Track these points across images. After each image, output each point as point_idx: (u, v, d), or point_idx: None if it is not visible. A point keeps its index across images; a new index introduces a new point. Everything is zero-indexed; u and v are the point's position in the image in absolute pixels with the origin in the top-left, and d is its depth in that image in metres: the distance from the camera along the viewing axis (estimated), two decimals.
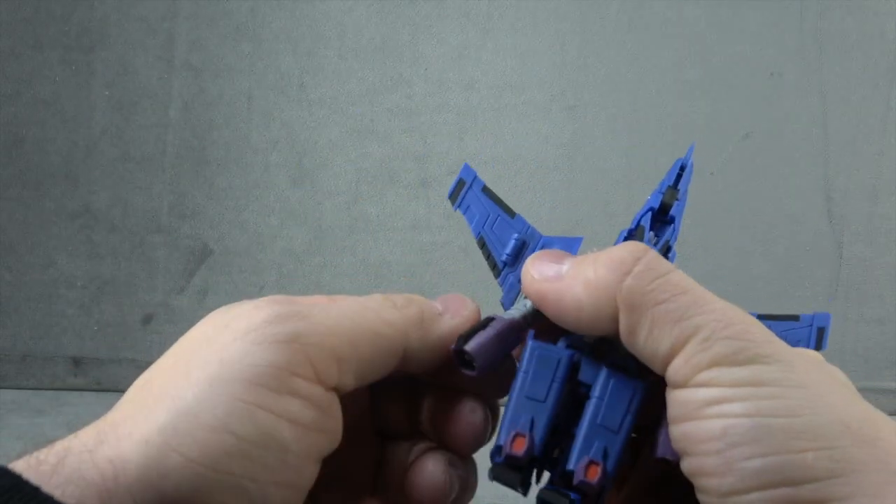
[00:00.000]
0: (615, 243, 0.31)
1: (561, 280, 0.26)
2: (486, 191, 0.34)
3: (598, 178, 0.87)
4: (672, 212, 0.33)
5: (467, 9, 0.88)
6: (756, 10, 0.87)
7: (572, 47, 0.88)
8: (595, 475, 0.26)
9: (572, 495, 0.27)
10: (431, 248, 0.89)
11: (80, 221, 0.89)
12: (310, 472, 0.24)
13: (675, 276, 0.25)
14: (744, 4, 0.87)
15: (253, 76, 0.88)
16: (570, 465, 0.26)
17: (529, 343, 0.28)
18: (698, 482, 0.24)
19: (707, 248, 0.87)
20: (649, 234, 0.32)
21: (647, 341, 0.25)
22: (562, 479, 0.27)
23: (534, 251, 0.31)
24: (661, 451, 0.27)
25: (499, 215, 0.33)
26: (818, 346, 0.30)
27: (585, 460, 0.26)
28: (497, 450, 0.27)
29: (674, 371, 0.24)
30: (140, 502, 0.21)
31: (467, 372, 0.28)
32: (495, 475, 0.27)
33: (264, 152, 0.89)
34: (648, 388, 0.28)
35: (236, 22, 0.88)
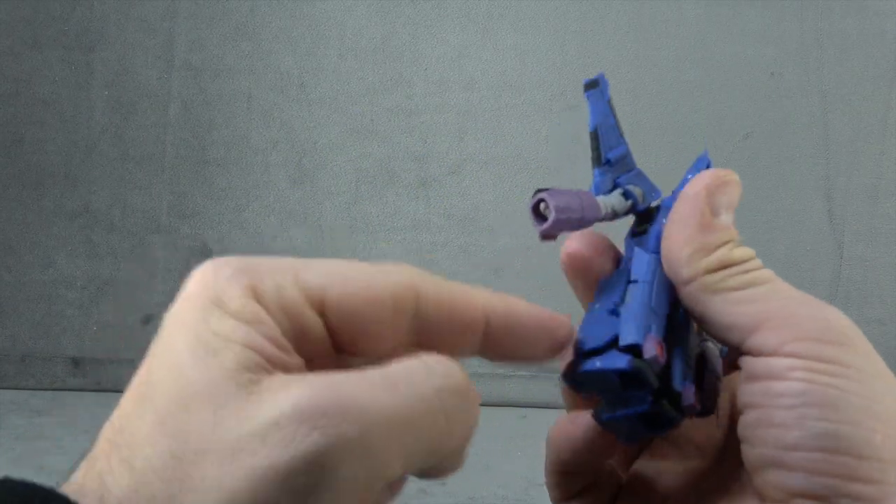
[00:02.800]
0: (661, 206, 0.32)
1: (711, 227, 0.27)
2: (610, 103, 0.35)
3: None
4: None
5: (467, 9, 0.88)
6: (756, 10, 0.87)
7: (572, 47, 0.88)
8: (695, 398, 0.26)
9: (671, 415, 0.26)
10: (431, 248, 0.89)
11: (79, 221, 0.89)
12: None
13: (767, 272, 0.26)
14: (744, 4, 0.87)
15: (253, 76, 0.88)
16: (677, 387, 0.26)
17: (647, 254, 0.28)
18: (759, 433, 0.24)
19: None
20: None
21: (724, 313, 0.25)
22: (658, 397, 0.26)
23: (630, 172, 0.33)
24: (686, 401, 0.26)
25: (614, 125, 0.35)
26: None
27: (691, 388, 0.26)
28: (630, 349, 0.25)
29: (759, 341, 0.24)
30: None
31: (538, 227, 0.27)
32: (634, 374, 0.25)
33: (264, 152, 0.89)
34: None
35: (236, 22, 0.88)
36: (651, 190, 0.33)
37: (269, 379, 0.19)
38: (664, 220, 0.29)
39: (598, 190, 0.32)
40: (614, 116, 0.34)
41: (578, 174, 0.87)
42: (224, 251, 0.89)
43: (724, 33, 0.87)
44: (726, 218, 0.28)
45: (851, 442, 0.22)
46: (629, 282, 0.28)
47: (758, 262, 0.27)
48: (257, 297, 0.21)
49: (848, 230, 0.89)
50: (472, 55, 0.88)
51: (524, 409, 0.85)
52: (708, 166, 0.35)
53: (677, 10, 0.87)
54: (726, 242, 0.27)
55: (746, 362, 0.25)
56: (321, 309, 0.22)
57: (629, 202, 0.32)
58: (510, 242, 0.87)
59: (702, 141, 0.88)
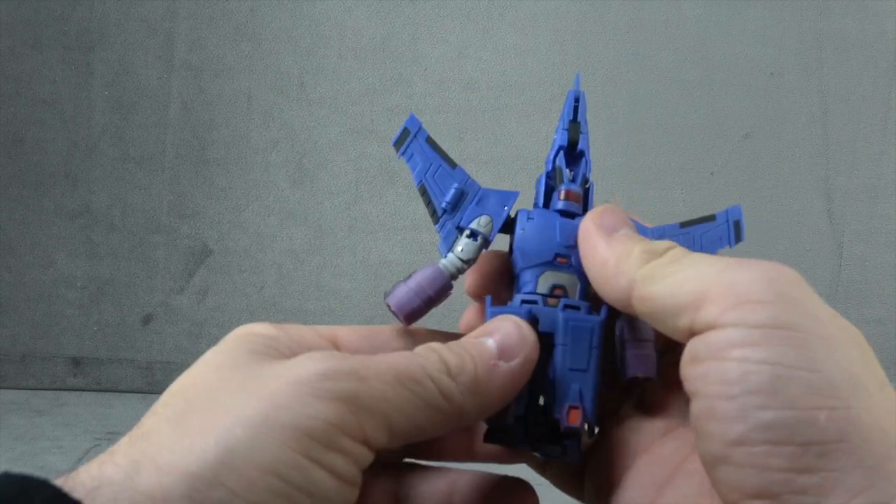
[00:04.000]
0: (536, 189, 0.34)
1: (609, 237, 0.28)
2: (429, 141, 0.35)
3: (598, 178, 0.86)
4: (580, 145, 0.34)
5: (467, 9, 0.88)
6: (756, 10, 0.87)
7: (572, 47, 0.88)
8: (577, 419, 0.28)
9: (565, 443, 0.28)
10: (431, 248, 0.89)
11: (79, 221, 0.89)
12: None
13: (695, 255, 0.26)
14: (744, 4, 0.87)
15: (253, 76, 0.88)
16: (556, 414, 0.28)
17: (560, 314, 0.29)
18: (705, 426, 0.23)
19: None
20: (567, 172, 0.34)
21: (667, 300, 0.25)
22: (549, 428, 0.29)
23: (472, 202, 0.33)
24: (630, 371, 0.28)
25: (440, 165, 0.34)
26: (738, 239, 0.31)
27: (566, 407, 0.28)
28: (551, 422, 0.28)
29: (703, 316, 0.24)
30: None
31: (400, 321, 0.30)
32: (537, 448, 0.29)
33: (264, 152, 0.89)
34: (605, 322, 0.29)
35: (236, 22, 0.88)
36: (501, 203, 0.33)
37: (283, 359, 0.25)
38: (521, 229, 0.31)
39: (447, 245, 0.32)
40: (438, 153, 0.34)
41: None
42: (224, 251, 0.89)
43: (724, 33, 0.87)
44: (626, 231, 0.28)
45: (794, 429, 0.21)
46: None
47: (678, 247, 0.27)
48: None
49: (847, 230, 0.89)
50: (472, 55, 0.88)
51: None
52: (577, 100, 0.36)
53: (677, 10, 0.87)
54: (637, 244, 0.27)
55: (693, 344, 0.24)
56: (335, 342, 0.27)
57: (479, 241, 0.32)
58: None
59: (702, 141, 0.88)
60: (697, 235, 0.31)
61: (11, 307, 0.89)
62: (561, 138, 0.36)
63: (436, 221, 0.32)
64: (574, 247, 0.30)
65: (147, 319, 0.90)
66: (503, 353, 0.27)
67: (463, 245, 0.32)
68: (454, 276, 0.32)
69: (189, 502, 0.21)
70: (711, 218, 0.31)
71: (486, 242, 0.31)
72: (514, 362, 0.27)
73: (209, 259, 0.89)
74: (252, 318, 0.88)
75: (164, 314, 0.90)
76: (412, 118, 0.34)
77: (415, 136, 0.34)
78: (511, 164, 0.88)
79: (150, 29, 0.88)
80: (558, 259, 0.30)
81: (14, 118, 0.87)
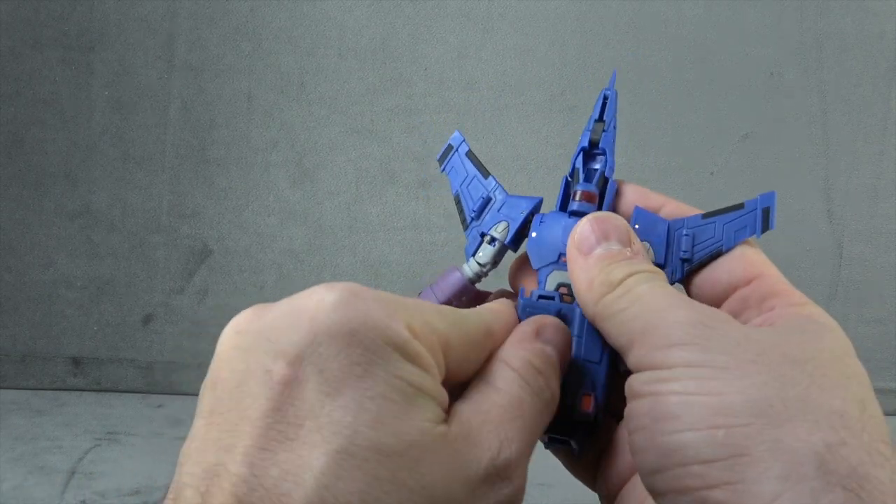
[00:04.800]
0: (560, 191, 0.35)
1: (583, 260, 0.29)
2: (469, 155, 0.38)
3: None
4: (602, 144, 0.36)
5: (467, 9, 0.88)
6: (756, 10, 0.87)
7: (572, 47, 0.88)
8: (589, 405, 0.29)
9: (575, 430, 0.30)
10: (431, 248, 0.89)
11: (79, 221, 0.89)
12: None
13: (643, 288, 0.27)
14: (744, 4, 0.87)
15: (253, 76, 0.88)
16: (569, 400, 0.29)
17: (577, 308, 0.30)
18: (636, 461, 0.25)
19: None
20: (582, 173, 0.35)
21: (614, 339, 0.27)
22: (561, 417, 0.29)
23: (495, 208, 0.35)
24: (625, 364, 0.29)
25: (475, 176, 0.37)
26: (765, 227, 0.31)
27: (580, 394, 0.29)
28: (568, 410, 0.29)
29: (631, 357, 0.26)
30: None
31: None
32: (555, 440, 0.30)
33: (264, 152, 0.89)
34: None
35: (236, 22, 0.88)
36: (519, 208, 0.35)
37: (451, 432, 0.23)
38: (533, 233, 0.33)
39: (470, 251, 0.34)
40: (475, 163, 0.36)
41: None
42: (224, 251, 0.90)
43: (724, 33, 0.87)
44: (602, 249, 0.29)
45: (697, 448, 0.23)
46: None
47: (640, 276, 0.28)
48: (417, 338, 0.24)
49: (847, 230, 0.89)
50: (472, 55, 0.88)
51: None
52: (607, 98, 0.38)
53: (677, 10, 0.87)
54: (600, 272, 0.29)
55: (626, 386, 0.26)
56: (446, 350, 0.25)
57: (496, 246, 0.34)
58: None
59: (702, 141, 0.88)
60: (720, 226, 0.32)
61: (11, 307, 0.89)
62: (584, 139, 0.37)
63: (465, 228, 0.35)
64: None
65: (147, 319, 0.90)
66: (565, 357, 0.30)
67: (482, 251, 0.34)
68: (473, 281, 0.34)
69: None
70: (740, 206, 0.32)
71: (504, 247, 0.34)
72: (560, 368, 0.30)
73: (209, 259, 0.89)
74: None
75: (164, 314, 0.90)
76: (457, 135, 0.37)
77: (456, 150, 0.37)
78: (511, 164, 0.88)
79: (150, 29, 0.88)
80: (562, 259, 0.31)
81: (14, 118, 0.88)
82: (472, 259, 0.34)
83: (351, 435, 0.21)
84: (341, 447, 0.21)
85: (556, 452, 0.33)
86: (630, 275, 0.28)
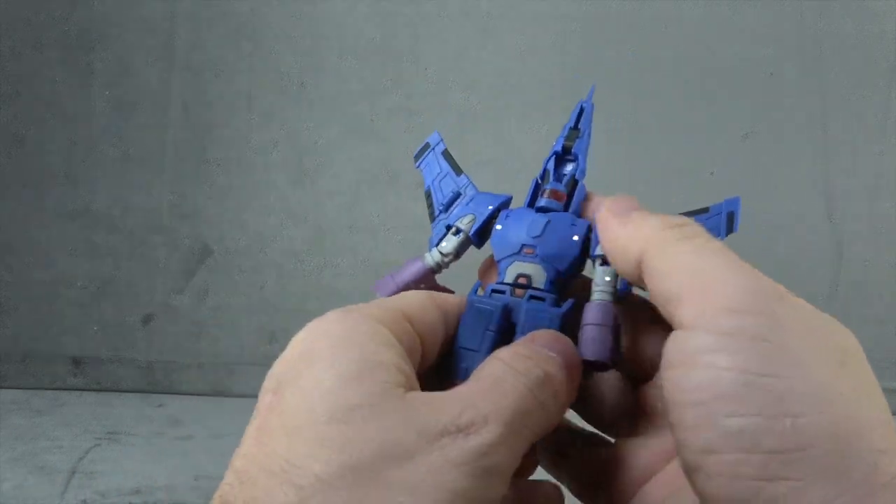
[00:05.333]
0: (529, 191, 0.35)
1: (621, 216, 0.28)
2: (445, 154, 0.39)
3: (597, 178, 0.87)
4: (574, 150, 0.37)
5: (467, 9, 0.88)
6: (756, 10, 0.87)
7: (572, 47, 0.88)
8: None
9: None
10: None
11: (80, 221, 0.89)
12: None
13: (701, 239, 0.26)
14: (744, 4, 0.87)
15: (253, 76, 0.88)
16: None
17: (468, 297, 0.31)
18: (679, 435, 0.23)
19: None
20: (553, 174, 0.36)
21: (662, 283, 0.25)
22: None
23: (464, 203, 0.36)
24: (581, 353, 0.28)
25: (448, 173, 0.38)
26: (729, 231, 0.32)
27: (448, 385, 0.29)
28: None
29: (683, 312, 0.24)
30: None
31: None
32: None
33: (264, 152, 0.89)
34: (566, 314, 0.30)
35: (236, 22, 0.88)
36: (488, 203, 0.35)
37: (412, 395, 0.24)
38: (498, 226, 0.33)
39: (436, 240, 0.35)
40: (449, 162, 0.38)
41: None
42: (224, 251, 0.90)
43: (724, 33, 0.87)
44: (639, 212, 0.29)
45: (761, 436, 0.22)
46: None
47: (695, 227, 0.26)
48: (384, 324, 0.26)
49: (847, 230, 0.89)
50: (472, 55, 0.88)
51: None
52: (583, 109, 0.39)
53: (677, 10, 0.87)
54: (653, 215, 0.27)
55: (670, 343, 0.24)
56: (411, 320, 0.27)
57: (460, 237, 0.34)
58: None
59: (702, 141, 0.88)
60: None
61: (12, 307, 0.89)
62: (557, 144, 0.38)
63: (432, 220, 0.36)
64: (540, 237, 0.32)
65: (147, 319, 0.90)
66: (570, 371, 0.28)
67: (446, 240, 0.35)
68: (435, 270, 0.34)
69: None
70: (705, 210, 0.32)
71: (468, 240, 0.34)
72: (574, 381, 0.29)
73: (209, 259, 0.89)
74: (252, 318, 0.88)
75: (164, 314, 0.90)
76: (435, 135, 0.38)
77: (433, 148, 0.38)
78: (511, 163, 0.88)
79: (150, 29, 0.88)
80: (524, 250, 0.32)
81: (14, 118, 0.88)
82: (434, 248, 0.35)
83: (312, 399, 0.23)
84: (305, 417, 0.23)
85: (553, 469, 0.33)
86: (686, 223, 0.27)
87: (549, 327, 0.29)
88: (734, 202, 0.32)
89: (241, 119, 0.88)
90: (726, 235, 0.31)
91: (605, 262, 0.31)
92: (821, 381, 0.22)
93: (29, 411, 0.83)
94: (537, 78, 0.88)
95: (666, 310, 0.25)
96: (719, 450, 0.22)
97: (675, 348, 0.24)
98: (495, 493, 0.24)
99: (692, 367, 0.23)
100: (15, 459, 0.71)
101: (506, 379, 0.26)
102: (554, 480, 0.31)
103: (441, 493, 0.22)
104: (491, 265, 0.34)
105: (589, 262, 0.33)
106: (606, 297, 0.31)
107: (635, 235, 0.27)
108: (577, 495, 0.33)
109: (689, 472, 0.23)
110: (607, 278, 0.31)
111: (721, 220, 0.32)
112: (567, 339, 0.29)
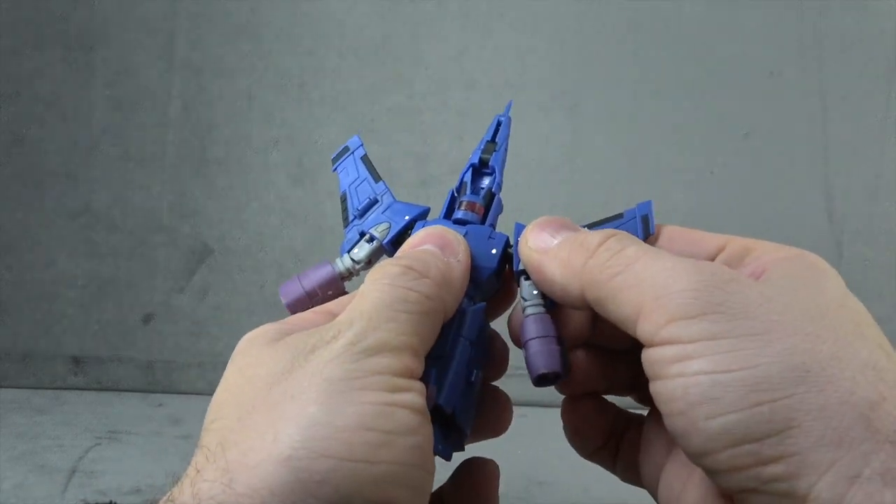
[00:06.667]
0: (445, 203, 0.36)
1: (546, 254, 0.29)
2: (364, 159, 0.39)
3: (598, 178, 0.87)
4: (491, 162, 0.38)
5: (467, 9, 0.88)
6: (755, 10, 0.87)
7: (572, 47, 0.88)
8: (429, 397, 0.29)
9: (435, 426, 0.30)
10: None
11: (80, 221, 0.89)
12: (432, 458, 0.26)
13: (630, 250, 0.26)
14: (743, 4, 0.87)
15: (253, 76, 0.88)
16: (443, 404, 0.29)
17: None
18: (679, 442, 0.24)
19: None
20: (470, 187, 0.37)
21: (614, 310, 0.26)
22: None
23: (379, 210, 0.36)
24: (535, 369, 0.29)
25: (366, 178, 0.39)
26: (646, 234, 0.32)
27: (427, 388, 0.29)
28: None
29: (641, 332, 0.25)
30: None
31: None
32: None
33: (264, 152, 0.89)
34: (478, 312, 0.30)
35: (236, 22, 0.88)
36: (404, 213, 0.35)
37: (291, 336, 0.29)
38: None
39: (348, 246, 0.35)
40: (368, 167, 0.39)
41: (577, 174, 0.87)
42: (224, 250, 0.90)
43: (724, 33, 0.87)
44: (560, 238, 0.30)
45: (744, 428, 0.22)
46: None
47: (621, 237, 0.27)
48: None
49: (848, 230, 0.89)
50: (472, 55, 0.88)
51: (524, 409, 0.85)
52: (500, 123, 0.40)
53: (677, 9, 0.87)
54: (575, 241, 0.28)
55: (643, 359, 0.25)
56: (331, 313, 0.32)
57: (374, 244, 0.35)
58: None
59: (702, 141, 0.88)
60: None
61: (12, 307, 0.89)
62: (474, 157, 0.39)
63: (346, 225, 0.36)
64: None
65: (148, 318, 0.90)
66: (447, 251, 0.31)
67: (359, 247, 0.35)
68: (344, 276, 0.34)
69: (297, 482, 0.23)
70: (619, 216, 0.33)
71: (381, 248, 0.34)
72: (461, 256, 0.31)
73: (209, 258, 0.89)
74: (252, 317, 0.88)
75: (164, 313, 0.90)
76: (355, 139, 0.39)
77: (352, 153, 0.39)
78: (511, 163, 0.88)
79: (150, 29, 0.88)
80: None
81: (15, 118, 0.88)
82: (346, 255, 0.35)
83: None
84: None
85: (609, 460, 0.34)
86: (609, 237, 0.27)
87: (452, 325, 0.30)
88: (646, 206, 0.33)
89: (241, 119, 0.88)
90: (645, 238, 0.31)
91: (528, 277, 0.31)
92: (793, 354, 0.22)
93: (29, 410, 0.83)
94: (537, 78, 0.88)
95: (625, 329, 0.26)
96: (711, 451, 0.23)
97: (647, 364, 0.25)
98: (381, 365, 0.25)
99: (664, 379, 0.24)
100: (15, 458, 0.71)
101: (364, 289, 0.29)
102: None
103: (318, 384, 0.24)
104: None
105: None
106: (539, 308, 0.30)
107: (568, 275, 0.27)
108: (625, 478, 0.33)
109: (702, 469, 0.24)
110: (535, 291, 0.31)
111: (637, 224, 0.32)
112: (434, 228, 0.30)
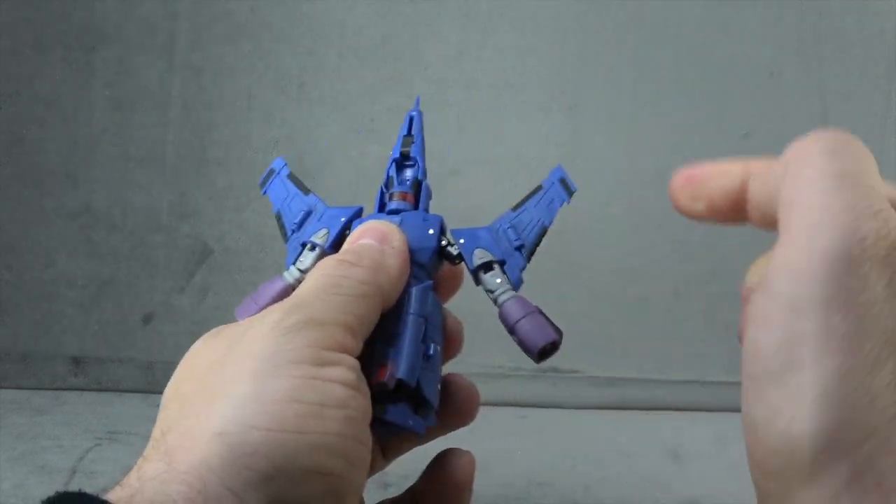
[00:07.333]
0: (377, 199, 0.39)
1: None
2: (291, 177, 0.41)
3: (598, 178, 0.87)
4: (413, 153, 0.40)
5: (467, 8, 0.88)
6: (755, 10, 0.87)
7: (572, 47, 0.88)
8: (384, 375, 0.30)
9: (387, 406, 0.30)
10: None
11: (80, 221, 0.89)
12: (367, 431, 0.28)
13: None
14: (743, 4, 0.87)
15: (253, 76, 0.88)
16: (370, 378, 0.30)
17: None
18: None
19: (707, 247, 0.87)
20: (396, 178, 0.40)
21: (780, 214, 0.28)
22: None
23: (316, 219, 0.39)
24: (533, 346, 0.31)
25: (296, 194, 0.40)
26: (570, 193, 0.36)
27: (375, 368, 0.30)
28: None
29: (774, 255, 0.28)
30: (238, 488, 0.24)
31: None
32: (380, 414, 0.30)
33: (265, 152, 0.89)
34: (424, 289, 0.32)
35: (236, 22, 0.88)
36: (340, 216, 0.38)
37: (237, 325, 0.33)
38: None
39: (291, 259, 0.37)
40: (296, 184, 0.41)
41: (577, 174, 0.87)
42: (224, 251, 0.90)
43: (724, 33, 0.88)
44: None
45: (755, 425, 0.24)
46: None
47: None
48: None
49: None
50: (472, 55, 0.88)
51: (524, 409, 0.85)
52: (412, 118, 0.43)
53: (677, 9, 0.87)
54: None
55: (751, 298, 0.28)
56: None
57: (316, 251, 0.36)
58: None
59: (702, 141, 0.88)
60: (532, 209, 0.36)
61: (12, 307, 0.89)
62: (395, 151, 0.41)
63: (286, 241, 0.38)
64: None
65: (148, 319, 0.90)
66: (383, 241, 0.33)
67: (304, 256, 0.36)
68: (295, 287, 0.35)
69: (230, 455, 0.24)
70: (539, 188, 0.36)
71: (324, 252, 0.36)
72: (396, 243, 0.33)
73: (210, 259, 0.89)
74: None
75: (164, 313, 0.90)
76: (279, 160, 0.41)
77: (278, 173, 0.40)
78: (511, 164, 0.88)
79: (150, 29, 0.88)
80: None
81: (15, 118, 0.88)
82: (292, 266, 0.36)
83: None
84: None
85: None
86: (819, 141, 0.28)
87: (404, 303, 0.32)
88: (558, 170, 0.38)
89: (241, 119, 0.89)
90: (570, 198, 0.34)
91: (486, 270, 0.33)
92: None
93: (29, 410, 0.83)
94: (537, 78, 0.88)
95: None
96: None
97: (753, 306, 0.26)
98: (309, 339, 0.27)
99: (766, 326, 0.25)
100: (15, 458, 0.71)
101: (305, 284, 0.31)
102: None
103: (249, 362, 0.26)
104: None
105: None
106: (510, 292, 0.32)
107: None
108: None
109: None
110: (498, 280, 0.33)
111: (557, 188, 0.36)
112: (368, 223, 0.32)
